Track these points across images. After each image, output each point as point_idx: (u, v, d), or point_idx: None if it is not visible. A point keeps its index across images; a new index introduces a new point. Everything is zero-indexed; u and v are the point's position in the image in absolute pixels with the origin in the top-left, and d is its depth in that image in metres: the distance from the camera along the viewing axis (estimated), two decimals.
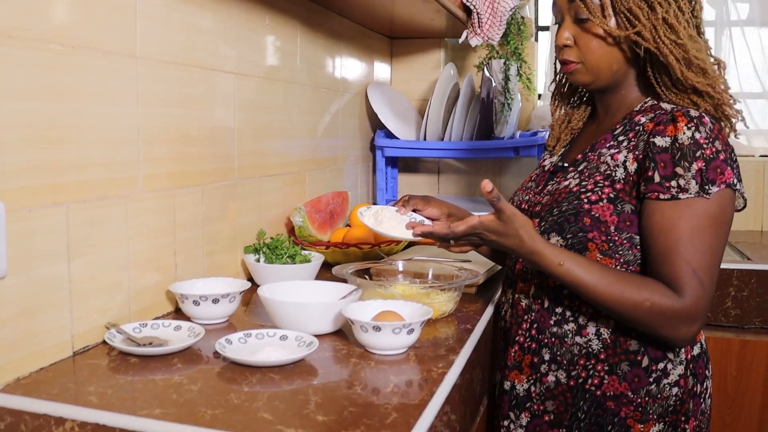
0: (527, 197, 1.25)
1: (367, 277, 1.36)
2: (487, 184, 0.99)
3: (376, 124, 2.35)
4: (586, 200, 1.10)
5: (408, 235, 1.19)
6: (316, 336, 1.09)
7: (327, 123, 1.94)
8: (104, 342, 1.08)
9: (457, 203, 2.44)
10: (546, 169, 1.28)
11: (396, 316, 1.10)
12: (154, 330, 1.10)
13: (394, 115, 2.29)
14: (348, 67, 2.10)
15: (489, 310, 1.35)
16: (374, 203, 2.08)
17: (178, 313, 1.27)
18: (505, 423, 1.21)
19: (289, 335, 1.07)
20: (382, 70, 2.43)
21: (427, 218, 1.30)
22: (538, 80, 2.64)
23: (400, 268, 1.42)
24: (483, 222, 1.04)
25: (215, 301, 1.18)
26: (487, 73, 2.23)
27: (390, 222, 1.23)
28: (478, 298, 1.42)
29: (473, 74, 2.33)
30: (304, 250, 1.59)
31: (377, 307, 1.14)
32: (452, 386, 0.98)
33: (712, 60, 1.12)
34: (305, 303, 1.12)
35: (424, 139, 2.26)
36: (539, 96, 2.65)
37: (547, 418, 1.16)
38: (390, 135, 2.31)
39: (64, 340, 1.04)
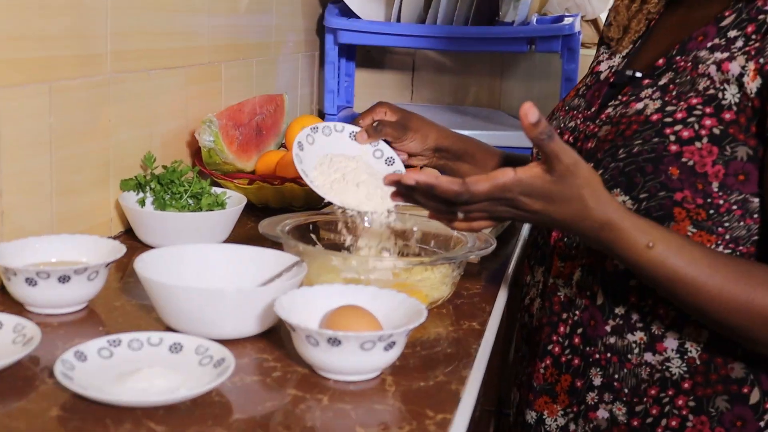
0: (572, 124, 1.19)
1: (314, 238, 1.27)
2: (529, 110, 0.87)
3: None
4: (673, 137, 1.03)
5: (380, 204, 1.18)
6: (230, 345, 0.95)
7: None
8: None
9: (437, 115, 2.31)
10: (603, 78, 1.21)
11: (365, 317, 0.96)
12: None
13: None
14: None
15: (502, 298, 1.25)
16: (322, 121, 1.91)
17: (3, 294, 1.13)
18: None
19: (185, 344, 0.94)
20: None
21: (404, 157, 1.33)
22: None
23: (368, 224, 1.28)
24: (523, 179, 0.91)
25: (63, 279, 1.04)
26: None
27: (353, 175, 1.21)
28: (481, 272, 1.33)
29: None
30: (216, 186, 1.53)
31: (334, 296, 1.01)
32: None
33: None
34: (213, 290, 0.99)
35: (398, 20, 2.22)
36: None
37: None
38: (347, 12, 2.26)
39: None
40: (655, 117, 1.04)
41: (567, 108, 1.21)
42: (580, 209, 0.93)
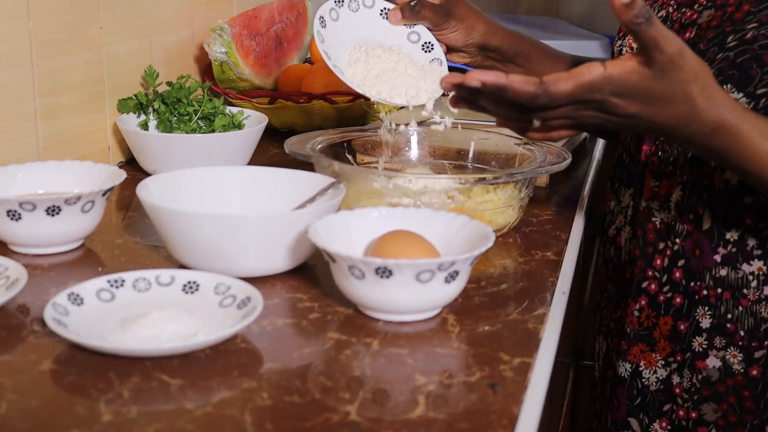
0: (662, 13, 1.17)
1: (351, 158, 1.26)
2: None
3: None
4: None
5: (426, 96, 1.16)
6: (256, 284, 0.95)
7: None
8: None
9: None
10: None
11: (419, 243, 0.94)
12: None
13: None
14: None
15: (579, 224, 1.25)
16: None
17: None
18: None
19: (201, 282, 0.94)
20: None
21: (447, 50, 1.30)
22: None
23: (414, 142, 1.31)
24: (614, 75, 0.87)
25: (52, 210, 1.03)
26: None
27: (395, 71, 1.18)
28: (551, 196, 1.35)
29: None
30: (231, 105, 1.52)
31: (379, 221, 1.01)
32: (545, 396, 0.81)
33: None
34: (234, 216, 0.98)
35: None
36: None
37: None
38: None
39: None
40: None
41: None
42: (688, 110, 0.90)
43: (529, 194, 1.17)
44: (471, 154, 1.29)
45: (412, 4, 1.26)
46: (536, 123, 0.93)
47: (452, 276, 0.88)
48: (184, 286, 0.91)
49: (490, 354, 0.83)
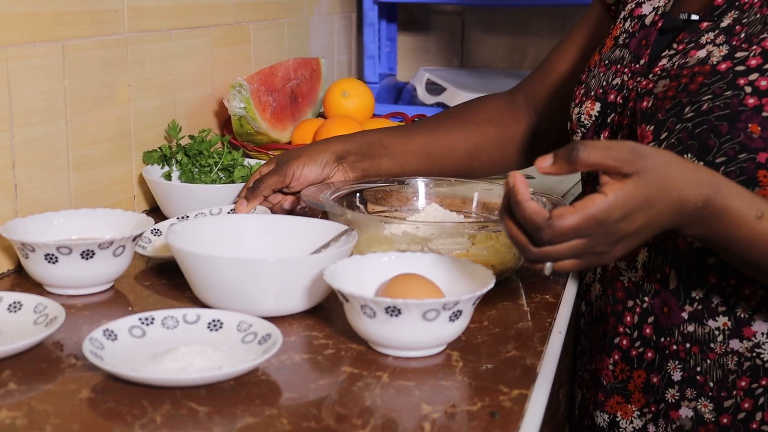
0: (617, 81, 1.14)
1: (362, 207, 1.27)
2: (541, 161, 0.87)
3: None
4: (749, 88, 1.00)
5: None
6: (275, 322, 0.96)
7: None
8: None
9: (490, 81, 2.31)
10: (649, 23, 1.16)
11: (425, 285, 0.96)
12: None
13: None
14: None
15: (574, 272, 1.23)
16: (364, 84, 1.88)
17: (21, 275, 1.15)
18: None
19: (225, 320, 0.95)
20: None
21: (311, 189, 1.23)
22: None
23: (421, 192, 1.31)
24: (618, 199, 0.85)
25: (87, 254, 1.05)
26: None
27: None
28: None
29: None
30: (249, 157, 1.54)
31: (389, 265, 1.02)
32: (540, 423, 0.84)
33: None
34: (255, 260, 1.00)
35: None
36: None
37: None
38: None
39: None
40: (723, 66, 1.01)
41: (606, 62, 1.16)
42: (677, 195, 0.88)
43: None
44: (474, 204, 1.28)
45: (250, 187, 1.23)
46: (547, 269, 0.87)
47: (456, 315, 0.90)
48: (209, 323, 0.93)
49: (490, 386, 0.85)
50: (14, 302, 0.97)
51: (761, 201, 0.92)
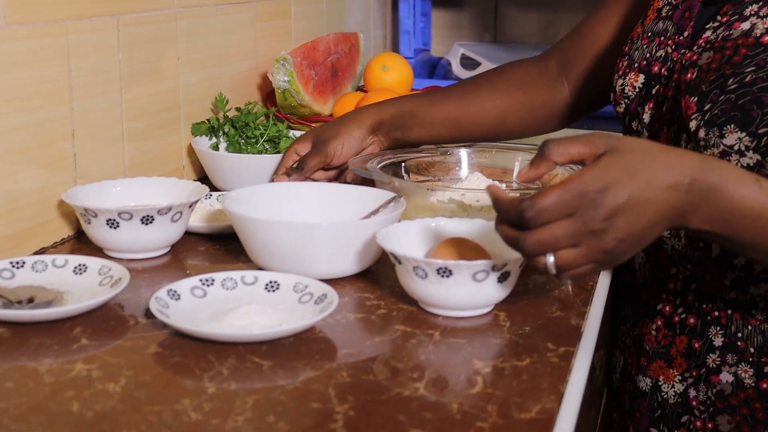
0: (660, 53, 1.13)
1: (406, 177, 1.29)
2: (525, 173, 0.89)
3: None
4: None
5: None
6: (329, 282, 0.99)
7: None
8: None
9: (524, 56, 2.33)
10: None
11: (474, 248, 0.98)
12: (38, 273, 1.01)
13: None
14: None
15: None
16: (403, 59, 1.89)
17: (81, 241, 1.17)
18: None
19: (282, 282, 0.98)
20: None
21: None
22: None
23: (464, 162, 1.32)
24: (593, 168, 0.83)
25: (146, 220, 1.08)
26: None
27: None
28: None
29: None
30: (293, 129, 1.55)
31: (438, 230, 1.04)
32: (585, 383, 0.86)
33: None
34: (310, 224, 1.02)
35: None
36: None
37: None
38: None
39: None
40: (767, 38, 1.00)
41: (650, 34, 1.15)
42: (662, 174, 0.85)
43: None
44: (515, 174, 1.29)
45: (293, 166, 1.25)
46: (550, 266, 0.84)
47: (504, 276, 0.92)
48: (267, 285, 0.97)
49: (537, 343, 0.88)
50: (79, 264, 1.01)
51: (754, 174, 0.90)
